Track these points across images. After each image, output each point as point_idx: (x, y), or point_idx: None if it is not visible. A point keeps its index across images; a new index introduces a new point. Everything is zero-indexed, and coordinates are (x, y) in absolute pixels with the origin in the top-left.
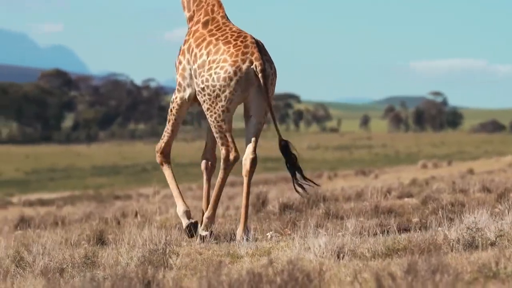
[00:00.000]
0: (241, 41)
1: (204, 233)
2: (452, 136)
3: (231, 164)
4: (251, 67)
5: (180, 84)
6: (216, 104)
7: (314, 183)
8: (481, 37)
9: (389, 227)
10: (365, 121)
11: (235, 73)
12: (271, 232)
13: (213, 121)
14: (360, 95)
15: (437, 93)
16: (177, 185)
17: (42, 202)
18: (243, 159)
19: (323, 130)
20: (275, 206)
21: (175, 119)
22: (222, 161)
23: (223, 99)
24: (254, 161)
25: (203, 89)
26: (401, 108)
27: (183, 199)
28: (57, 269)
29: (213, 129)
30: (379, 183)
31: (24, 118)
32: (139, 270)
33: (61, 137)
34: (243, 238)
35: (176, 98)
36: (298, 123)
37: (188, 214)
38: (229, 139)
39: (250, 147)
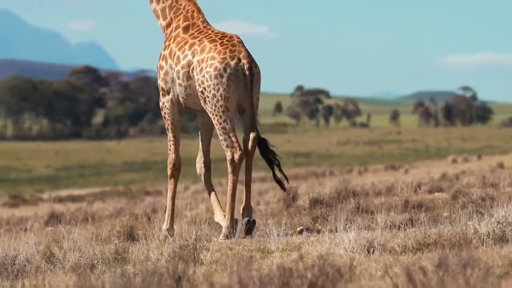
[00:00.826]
0: (227, 40)
1: (224, 240)
2: (482, 130)
3: (238, 165)
4: (239, 64)
5: (162, 89)
6: (215, 105)
7: (283, 184)
8: (511, 32)
9: (419, 221)
10: (395, 116)
11: (224, 69)
12: (301, 227)
13: (217, 123)
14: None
15: (466, 88)
16: (173, 205)
17: (73, 198)
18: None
19: (353, 125)
20: (305, 201)
21: (172, 124)
22: (229, 164)
23: (219, 98)
24: (254, 140)
25: (202, 92)
26: (431, 103)
27: (173, 221)
28: (87, 265)
29: (218, 132)
30: (409, 177)
31: (54, 114)
32: (169, 266)
33: (91, 134)
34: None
35: (163, 103)
36: (328, 118)
37: (170, 235)
38: (233, 139)
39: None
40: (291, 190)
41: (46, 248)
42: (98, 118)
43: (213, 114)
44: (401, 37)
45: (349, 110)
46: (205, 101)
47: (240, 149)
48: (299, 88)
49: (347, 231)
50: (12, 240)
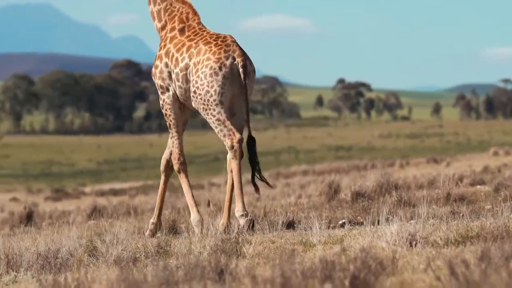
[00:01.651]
0: (222, 41)
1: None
2: None
3: (238, 148)
4: (234, 62)
5: (161, 87)
6: (208, 100)
7: (268, 184)
8: None
9: (461, 214)
10: (437, 109)
11: (220, 68)
12: (343, 220)
13: (211, 118)
14: (430, 83)
15: (507, 80)
16: (192, 195)
17: (115, 192)
18: (227, 157)
19: (394, 118)
20: (347, 194)
21: (174, 120)
22: (229, 150)
23: (213, 93)
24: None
25: (194, 92)
26: (472, 96)
27: (197, 209)
28: (130, 259)
29: (213, 126)
30: (451, 170)
31: (96, 108)
32: (212, 259)
33: (133, 127)
34: (226, 227)
35: (164, 100)
36: (370, 111)
37: (202, 223)
38: (229, 127)
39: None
40: (333, 183)
41: (89, 241)
42: (140, 112)
43: (205, 110)
44: (443, 30)
45: (391, 103)
46: (196, 99)
47: (236, 132)
48: (341, 81)
49: (389, 224)
50: (55, 234)
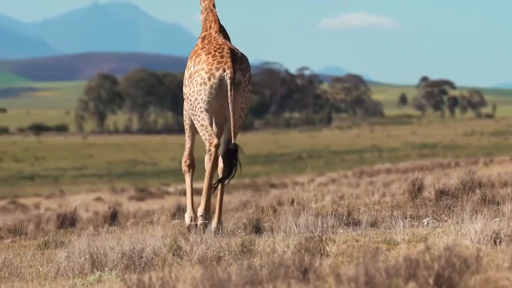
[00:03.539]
0: (219, 52)
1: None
2: None
3: (213, 153)
4: (223, 74)
5: (184, 93)
6: (195, 107)
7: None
8: None
9: None
10: None
11: (209, 78)
12: (427, 219)
13: (197, 123)
14: None
15: None
16: (192, 194)
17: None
18: (220, 156)
19: (478, 116)
20: (431, 192)
21: (190, 126)
22: (206, 152)
23: (200, 101)
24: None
25: (187, 97)
26: None
27: (192, 206)
28: (214, 258)
29: (198, 130)
30: None
31: (179, 107)
32: (295, 258)
33: None
34: (218, 230)
35: (185, 106)
36: (453, 109)
37: (191, 219)
38: (210, 132)
39: (224, 147)
40: (416, 181)
41: (173, 241)
42: None
43: (193, 115)
44: None
45: (474, 101)
46: (187, 104)
47: (215, 137)
48: (424, 79)
49: (473, 222)
50: (139, 233)
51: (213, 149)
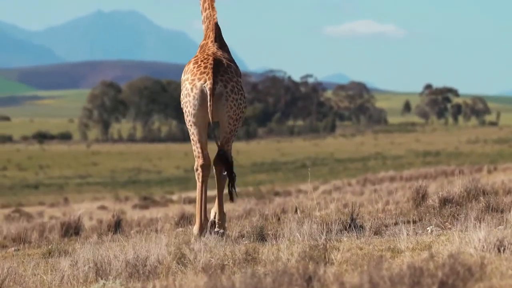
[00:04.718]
0: (204, 63)
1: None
2: None
3: (200, 172)
4: (204, 85)
5: None
6: (186, 119)
7: (232, 197)
8: None
9: None
10: None
11: (191, 89)
12: (431, 227)
13: (190, 135)
14: None
15: None
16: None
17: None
18: (213, 162)
19: (482, 123)
20: (435, 200)
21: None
22: (195, 170)
23: (188, 114)
24: (219, 168)
25: (182, 105)
26: None
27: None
28: (218, 266)
29: (191, 142)
30: None
31: (183, 116)
32: (300, 266)
33: None
34: (218, 232)
35: None
36: (457, 117)
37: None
38: (198, 150)
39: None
40: (420, 189)
41: (177, 249)
42: None
43: (187, 126)
44: None
45: (478, 109)
46: (184, 114)
47: (203, 158)
48: (428, 86)
49: (477, 230)
50: (143, 241)
51: (200, 169)
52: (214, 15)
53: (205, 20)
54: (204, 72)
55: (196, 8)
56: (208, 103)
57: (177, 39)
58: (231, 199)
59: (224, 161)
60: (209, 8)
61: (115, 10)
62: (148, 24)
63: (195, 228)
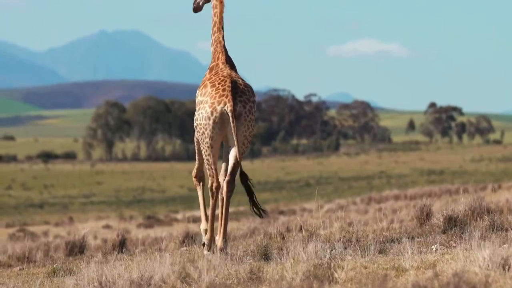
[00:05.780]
0: (221, 85)
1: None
2: None
3: (215, 191)
4: (224, 108)
5: (196, 119)
6: (203, 140)
7: (261, 213)
8: None
9: None
10: None
11: (211, 113)
12: (436, 245)
13: (204, 157)
14: None
15: None
16: (204, 205)
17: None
18: (223, 182)
19: (486, 142)
20: (439, 218)
21: (198, 150)
22: (209, 190)
23: (206, 136)
24: (229, 184)
25: (196, 126)
26: None
27: (206, 218)
28: (222, 285)
29: (205, 163)
30: None
31: (187, 135)
32: (304, 285)
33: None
34: (222, 249)
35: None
36: (461, 135)
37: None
38: (213, 171)
39: (228, 173)
40: (424, 208)
41: (181, 268)
42: None
43: (202, 146)
44: None
45: (482, 127)
46: (197, 135)
47: (216, 180)
48: (432, 105)
49: (481, 249)
50: (148, 261)
51: (214, 190)
52: (221, 37)
53: (213, 43)
54: (223, 95)
55: (199, 27)
56: (232, 125)
57: (181, 59)
58: (260, 216)
59: (246, 180)
60: (218, 32)
61: (119, 30)
62: (152, 44)
63: (206, 238)
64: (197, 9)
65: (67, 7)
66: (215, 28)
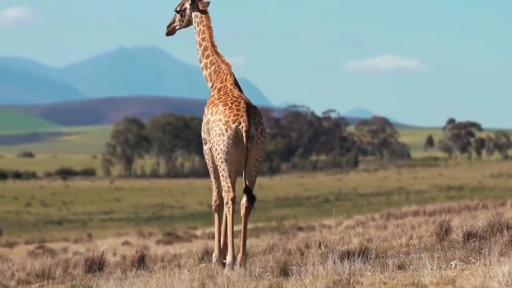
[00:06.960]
0: (236, 105)
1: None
2: None
3: (230, 205)
4: (239, 127)
5: (203, 139)
6: (217, 156)
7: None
8: None
9: None
10: None
11: (226, 130)
12: (455, 261)
13: (220, 172)
14: None
15: None
16: (220, 234)
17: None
18: (241, 204)
19: (505, 157)
20: (458, 234)
21: (213, 168)
22: (225, 204)
23: (220, 151)
24: (247, 207)
25: (212, 145)
26: None
27: (220, 248)
28: None
29: (221, 179)
30: None
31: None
32: None
33: None
34: (241, 264)
35: (205, 150)
36: (480, 151)
37: (219, 262)
38: (229, 185)
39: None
40: (444, 223)
41: (201, 284)
42: None
43: (218, 163)
44: None
45: (501, 143)
46: (214, 153)
47: (232, 192)
48: (451, 121)
49: (501, 265)
50: (167, 277)
51: (230, 202)
52: (224, 60)
53: (209, 65)
54: (238, 115)
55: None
56: (246, 145)
57: (199, 75)
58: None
59: (249, 199)
60: (213, 55)
61: (137, 47)
62: (169, 60)
63: (228, 257)
64: (171, 33)
65: (85, 23)
66: (208, 52)
